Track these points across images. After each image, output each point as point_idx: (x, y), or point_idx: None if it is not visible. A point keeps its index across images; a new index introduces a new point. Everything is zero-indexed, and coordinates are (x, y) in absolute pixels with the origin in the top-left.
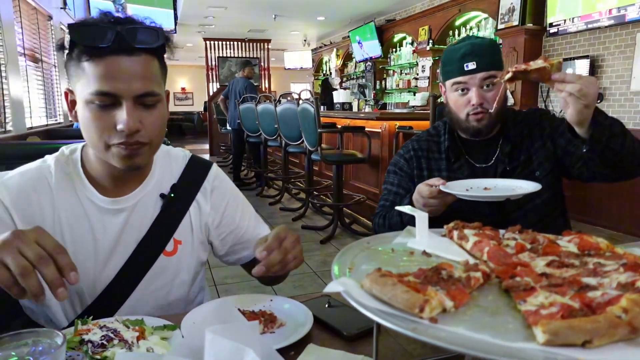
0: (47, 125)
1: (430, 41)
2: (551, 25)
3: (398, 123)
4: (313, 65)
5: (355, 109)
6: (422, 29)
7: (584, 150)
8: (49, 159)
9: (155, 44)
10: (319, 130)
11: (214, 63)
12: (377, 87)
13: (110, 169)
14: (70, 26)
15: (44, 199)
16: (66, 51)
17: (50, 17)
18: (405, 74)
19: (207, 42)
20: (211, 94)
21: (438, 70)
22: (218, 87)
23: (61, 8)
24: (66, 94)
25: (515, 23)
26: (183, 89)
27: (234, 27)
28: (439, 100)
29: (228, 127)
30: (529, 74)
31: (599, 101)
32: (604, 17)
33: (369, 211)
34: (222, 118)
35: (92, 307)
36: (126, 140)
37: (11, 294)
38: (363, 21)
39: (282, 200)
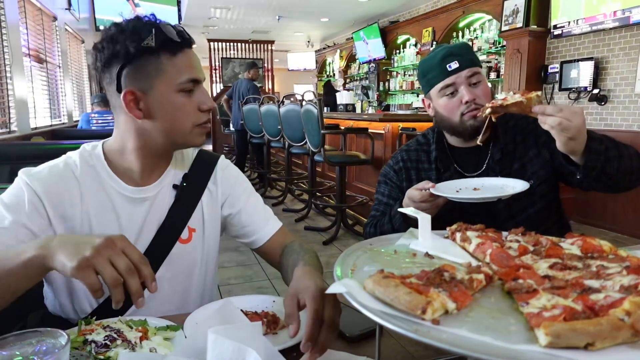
0: (51, 125)
1: (434, 43)
2: (555, 27)
3: (401, 124)
4: (316, 67)
5: (358, 110)
6: (426, 31)
7: (577, 177)
8: (73, 154)
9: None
10: (322, 131)
11: (217, 64)
12: (381, 88)
13: (146, 159)
14: (157, 27)
15: (73, 190)
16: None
17: (55, 18)
18: (409, 75)
19: (211, 43)
20: (214, 94)
21: (417, 85)
22: (222, 87)
23: (66, 9)
24: (126, 95)
25: (519, 25)
26: None
27: (238, 28)
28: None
29: (231, 128)
30: (508, 107)
31: (602, 104)
32: (608, 19)
33: None
34: (226, 119)
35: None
36: (208, 118)
37: (92, 294)
38: (367, 22)
39: (285, 201)
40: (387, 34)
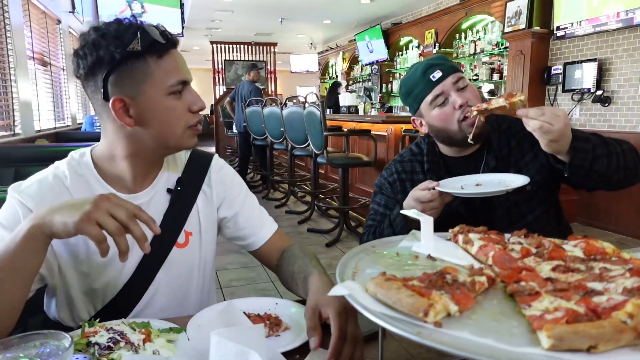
0: (55, 128)
1: (437, 44)
2: (558, 28)
3: (404, 126)
4: (319, 69)
5: (361, 112)
6: (429, 32)
7: (565, 175)
8: (60, 164)
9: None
10: (325, 133)
11: (220, 66)
12: (383, 90)
13: (138, 165)
14: (141, 30)
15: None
16: (100, 65)
17: (59, 21)
18: None
19: (214, 46)
20: (217, 97)
21: (405, 107)
22: (224, 90)
23: (70, 12)
24: (115, 103)
25: (522, 26)
26: None
27: (241, 30)
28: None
29: (234, 130)
30: (493, 111)
31: (606, 105)
32: (612, 20)
33: None
34: (229, 121)
35: (111, 303)
36: (199, 119)
37: (100, 249)
38: (369, 24)
39: (287, 203)
40: (390, 36)
